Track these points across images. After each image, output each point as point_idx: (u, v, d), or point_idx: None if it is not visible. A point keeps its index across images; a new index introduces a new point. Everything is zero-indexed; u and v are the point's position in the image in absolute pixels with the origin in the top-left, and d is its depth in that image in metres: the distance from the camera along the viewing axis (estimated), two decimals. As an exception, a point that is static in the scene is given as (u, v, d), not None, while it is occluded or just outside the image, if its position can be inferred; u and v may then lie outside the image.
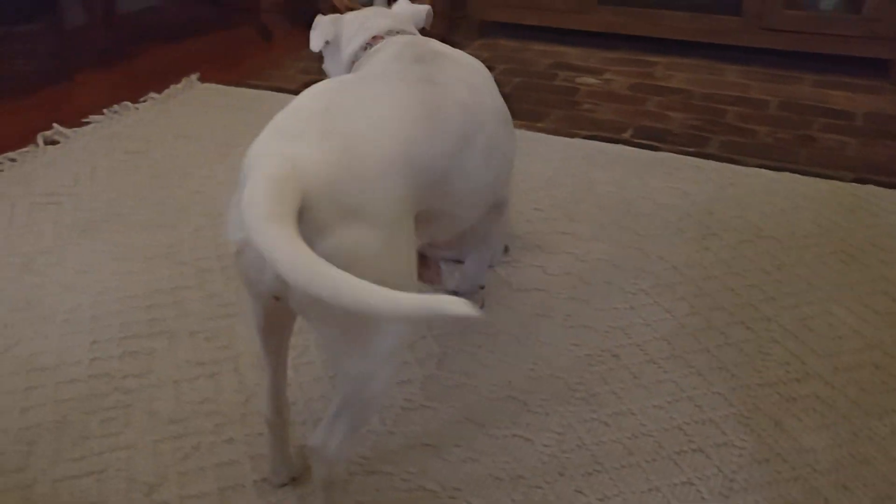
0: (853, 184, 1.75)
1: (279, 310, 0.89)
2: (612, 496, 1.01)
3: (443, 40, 1.15)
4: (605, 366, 1.23)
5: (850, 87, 2.30)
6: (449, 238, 1.18)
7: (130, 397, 1.20)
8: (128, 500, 1.03)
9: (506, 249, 1.50)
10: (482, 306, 1.36)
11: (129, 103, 2.32)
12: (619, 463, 1.06)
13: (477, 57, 1.18)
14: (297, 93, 2.52)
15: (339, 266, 0.69)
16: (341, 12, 1.27)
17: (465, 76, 1.06)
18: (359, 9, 1.29)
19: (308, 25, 1.26)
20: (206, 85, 2.47)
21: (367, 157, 0.82)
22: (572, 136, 2.05)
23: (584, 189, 1.76)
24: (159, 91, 2.41)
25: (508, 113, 1.15)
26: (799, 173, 1.81)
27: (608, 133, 2.06)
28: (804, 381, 1.19)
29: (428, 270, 1.34)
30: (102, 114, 2.26)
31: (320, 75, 2.73)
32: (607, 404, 1.16)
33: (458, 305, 0.65)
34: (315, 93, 0.92)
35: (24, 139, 2.13)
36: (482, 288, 1.38)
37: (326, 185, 0.77)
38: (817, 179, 1.77)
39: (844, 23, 2.28)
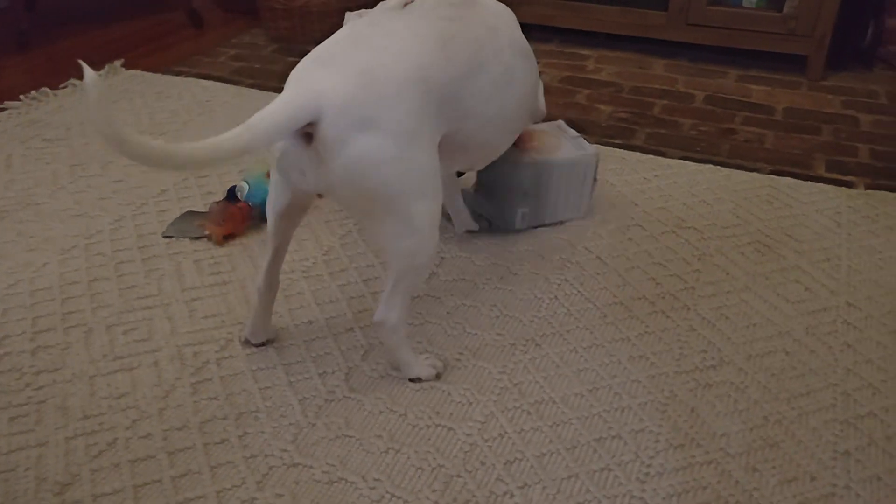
0: (770, 176, 1.81)
1: (301, 203, 1.11)
2: (533, 484, 1.03)
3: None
4: (528, 355, 1.25)
5: (770, 83, 2.37)
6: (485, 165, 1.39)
7: (42, 393, 1.16)
8: (36, 500, 1.00)
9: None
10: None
11: (48, 89, 2.24)
12: (539, 451, 1.08)
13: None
14: (227, 80, 2.48)
15: (359, 170, 0.96)
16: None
17: (487, 16, 1.20)
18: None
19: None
20: (131, 71, 2.40)
21: (384, 78, 0.98)
22: (503, 127, 2.06)
23: (514, 180, 1.77)
24: (81, 77, 2.33)
25: (529, 49, 1.33)
26: (721, 165, 1.86)
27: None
28: (719, 368, 1.23)
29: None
30: (19, 100, 2.18)
31: (252, 62, 2.67)
32: (530, 393, 1.17)
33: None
34: (350, 27, 1.06)
35: (-66, 125, 2.04)
36: None
37: (343, 103, 0.95)
38: (737, 171, 1.83)
39: (765, 20, 2.35)
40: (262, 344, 1.26)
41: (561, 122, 1.66)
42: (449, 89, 1.08)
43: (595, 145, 1.62)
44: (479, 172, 1.59)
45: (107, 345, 1.26)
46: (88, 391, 1.17)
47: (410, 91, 1.00)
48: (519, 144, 1.51)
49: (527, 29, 2.74)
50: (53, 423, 1.11)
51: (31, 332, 1.29)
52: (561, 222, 1.59)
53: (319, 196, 1.00)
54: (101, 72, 2.36)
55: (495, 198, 1.56)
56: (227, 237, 1.53)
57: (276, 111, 0.93)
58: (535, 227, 1.58)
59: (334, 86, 0.95)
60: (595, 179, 1.58)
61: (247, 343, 1.26)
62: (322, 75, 0.97)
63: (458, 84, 1.10)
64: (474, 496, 1.01)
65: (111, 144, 0.81)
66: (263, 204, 1.19)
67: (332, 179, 0.98)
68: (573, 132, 1.60)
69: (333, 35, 1.06)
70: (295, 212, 1.14)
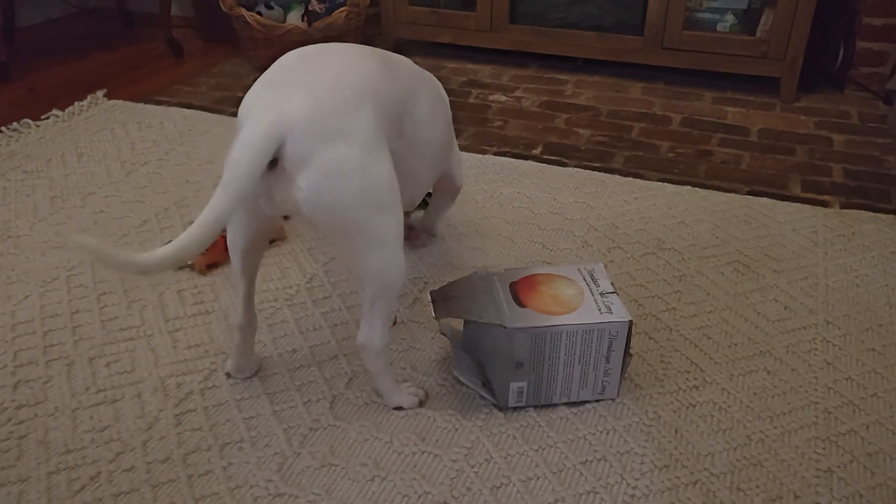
0: (747, 196, 1.83)
1: (265, 232, 1.13)
2: (519, 508, 1.03)
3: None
4: (512, 379, 1.25)
5: (745, 104, 2.41)
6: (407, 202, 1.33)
7: (24, 428, 1.15)
8: (18, 536, 0.99)
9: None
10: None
11: (29, 121, 2.24)
12: (525, 475, 1.08)
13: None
14: (208, 109, 2.49)
15: (328, 181, 0.96)
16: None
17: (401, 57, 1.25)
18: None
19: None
20: (113, 101, 2.41)
21: (341, 93, 0.99)
22: (483, 152, 2.08)
23: (495, 205, 1.79)
24: (62, 108, 2.34)
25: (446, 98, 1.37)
26: (698, 187, 1.89)
27: (518, 149, 2.10)
28: (702, 388, 1.24)
29: (415, 238, 1.62)
30: (0, 131, 2.17)
31: (235, 91, 2.68)
32: (515, 418, 1.18)
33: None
34: (291, 54, 1.08)
35: (-88, 159, 2.02)
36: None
37: (308, 119, 0.96)
38: (715, 192, 1.85)
39: (739, 43, 2.39)
40: (249, 377, 1.26)
41: (596, 268, 1.26)
42: (394, 107, 1.10)
43: (626, 307, 1.21)
44: (464, 329, 1.24)
45: (89, 377, 1.25)
46: (70, 425, 1.16)
47: (366, 104, 1.02)
48: (520, 294, 1.19)
49: (506, 55, 2.79)
50: (35, 458, 1.10)
51: (12, 366, 1.28)
52: (576, 403, 1.21)
53: (286, 218, 0.99)
54: (83, 102, 2.36)
55: (484, 364, 1.20)
56: (210, 266, 1.53)
57: (246, 154, 0.93)
58: (539, 407, 1.20)
59: (296, 105, 0.96)
60: (629, 354, 1.20)
61: (230, 376, 1.26)
62: (281, 98, 0.97)
63: (401, 103, 1.12)
64: (461, 522, 1.01)
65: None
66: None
67: (300, 197, 0.97)
68: (607, 284, 1.21)
69: (276, 63, 1.07)
70: (259, 243, 1.15)
